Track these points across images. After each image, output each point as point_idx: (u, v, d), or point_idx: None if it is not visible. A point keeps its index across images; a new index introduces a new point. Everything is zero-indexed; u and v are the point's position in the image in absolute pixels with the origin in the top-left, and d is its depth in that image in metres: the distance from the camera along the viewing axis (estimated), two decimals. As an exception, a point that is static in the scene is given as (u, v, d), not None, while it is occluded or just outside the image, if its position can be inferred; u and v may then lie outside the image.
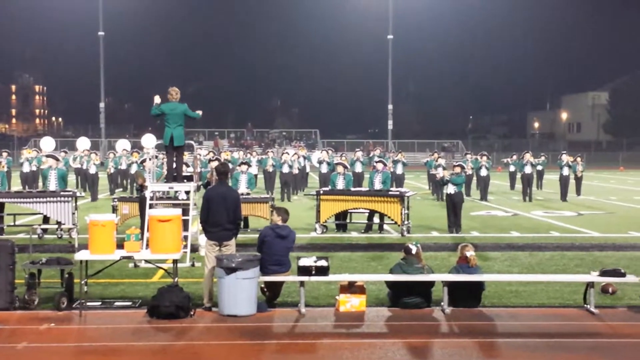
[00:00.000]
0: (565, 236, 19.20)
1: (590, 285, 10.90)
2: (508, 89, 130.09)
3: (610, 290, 11.78)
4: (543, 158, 35.07)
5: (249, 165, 23.72)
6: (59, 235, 18.14)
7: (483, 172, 30.11)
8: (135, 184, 18.47)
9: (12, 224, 19.27)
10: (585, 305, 10.92)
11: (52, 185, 19.13)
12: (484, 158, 31.12)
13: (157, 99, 14.26)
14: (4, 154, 31.18)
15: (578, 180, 31.68)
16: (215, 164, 19.96)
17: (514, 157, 36.28)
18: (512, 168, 35.39)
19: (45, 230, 18.46)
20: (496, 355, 8.92)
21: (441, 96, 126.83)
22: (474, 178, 31.49)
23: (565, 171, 30.29)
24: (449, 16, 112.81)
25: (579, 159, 32.29)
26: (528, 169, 30.24)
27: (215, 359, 8.54)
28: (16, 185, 31.09)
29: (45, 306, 10.79)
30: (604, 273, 11.14)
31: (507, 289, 12.14)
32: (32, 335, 9.42)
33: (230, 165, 27.57)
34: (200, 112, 14.51)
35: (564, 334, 9.68)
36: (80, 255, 10.77)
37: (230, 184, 13.52)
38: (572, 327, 10.11)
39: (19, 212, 19.72)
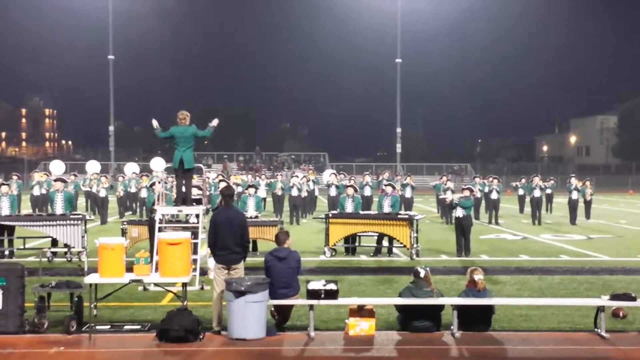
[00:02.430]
0: (575, 260, 19.12)
1: (600, 309, 10.84)
2: (517, 112, 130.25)
3: (621, 314, 11.68)
4: (552, 182, 35.02)
5: (257, 188, 23.75)
6: (69, 259, 18.18)
7: (494, 196, 30.11)
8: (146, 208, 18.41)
9: (22, 247, 19.30)
10: (596, 330, 10.86)
11: (59, 208, 19.18)
12: (495, 181, 31.11)
13: (155, 123, 14.35)
14: (14, 177, 31.29)
15: (587, 203, 31.60)
16: (222, 185, 20.00)
17: (523, 180, 36.25)
18: (521, 191, 35.34)
19: (54, 254, 18.49)
20: (506, 380, 8.87)
21: (450, 119, 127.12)
22: (483, 201, 31.46)
23: (575, 195, 30.24)
24: (457, 40, 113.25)
25: (587, 183, 32.23)
26: (537, 193, 30.19)
27: (225, 383, 8.51)
28: (26, 209, 31.18)
29: (54, 329, 10.79)
30: (614, 297, 11.09)
31: (517, 313, 12.09)
32: (41, 359, 9.41)
33: (240, 189, 27.65)
34: (214, 123, 14.44)
35: (574, 359, 9.63)
36: (90, 279, 10.78)
37: (237, 207, 13.54)
38: (583, 352, 10.03)
39: (29, 235, 19.75)
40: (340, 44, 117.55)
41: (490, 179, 31.99)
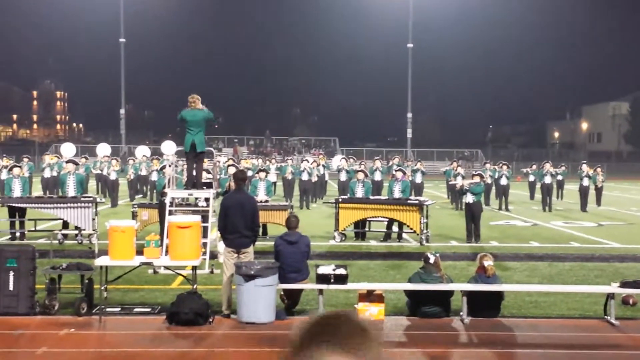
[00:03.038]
0: (585, 247, 19.07)
1: (610, 296, 10.82)
2: (528, 98, 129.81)
3: (631, 301, 11.66)
4: (563, 168, 34.88)
5: (268, 173, 23.75)
6: (79, 241, 18.24)
7: (503, 182, 30.03)
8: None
9: (33, 229, 19.38)
10: (606, 317, 10.85)
11: (71, 190, 19.21)
12: (504, 167, 31.02)
13: None
14: (25, 160, 31.39)
15: (598, 190, 31.46)
16: (232, 169, 20.02)
17: (534, 166, 36.12)
18: (531, 178, 35.21)
19: (65, 236, 18.56)
20: (515, 366, 8.87)
21: (461, 105, 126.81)
22: (493, 187, 31.40)
23: (586, 182, 30.13)
24: (469, 25, 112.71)
25: (599, 170, 32.06)
26: (548, 179, 30.09)
27: (234, 366, 8.54)
28: (37, 191, 31.29)
29: (65, 311, 10.84)
30: (624, 284, 11.07)
31: (527, 299, 12.07)
32: (52, 341, 9.47)
33: (250, 173, 27.67)
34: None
35: (584, 346, 9.62)
36: (100, 261, 10.83)
37: (248, 191, 13.56)
38: (592, 339, 10.02)
39: (40, 217, 19.81)
40: (352, 29, 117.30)
41: (500, 165, 31.90)
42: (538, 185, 32.41)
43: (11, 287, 10.67)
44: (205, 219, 13.62)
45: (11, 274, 10.70)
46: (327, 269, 10.83)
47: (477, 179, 19.65)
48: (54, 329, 10.03)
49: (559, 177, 33.59)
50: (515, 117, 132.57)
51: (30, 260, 10.82)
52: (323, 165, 34.34)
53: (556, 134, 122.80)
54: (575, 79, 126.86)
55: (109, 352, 9.07)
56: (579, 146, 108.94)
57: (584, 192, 30.05)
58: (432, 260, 11.24)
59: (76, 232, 18.41)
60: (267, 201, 19.64)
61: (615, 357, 9.18)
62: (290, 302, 11.15)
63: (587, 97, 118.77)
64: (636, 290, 11.10)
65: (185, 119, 14.08)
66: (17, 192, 19.25)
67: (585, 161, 33.08)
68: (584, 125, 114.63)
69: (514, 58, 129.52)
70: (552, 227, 23.59)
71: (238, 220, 10.92)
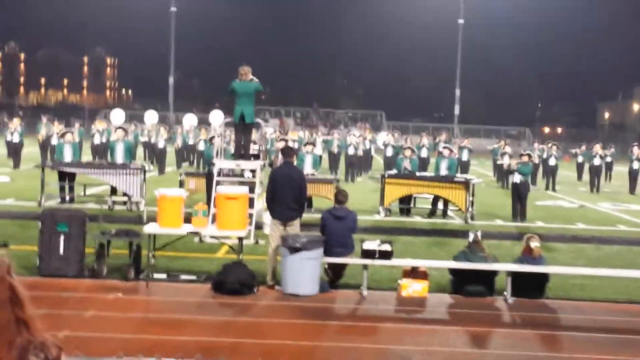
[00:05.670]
0: (633, 230, 18.83)
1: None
2: (579, 78, 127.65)
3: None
4: (612, 150, 34.37)
5: (314, 146, 23.79)
6: (129, 208, 18.46)
7: (552, 162, 29.69)
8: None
9: (82, 194, 19.69)
10: (653, 303, 10.72)
11: (119, 157, 19.45)
12: (554, 147, 30.66)
13: None
14: (76, 125, 31.86)
15: (648, 174, 30.93)
16: (281, 144, 20.07)
17: (583, 147, 35.64)
18: (580, 159, 34.76)
19: (114, 203, 18.82)
20: (559, 349, 8.84)
21: (510, 82, 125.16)
22: (540, 167, 31.07)
23: (636, 164, 29.61)
24: (522, 3, 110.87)
25: (650, 152, 31.50)
26: (597, 161, 29.69)
27: (278, 337, 8.62)
28: (86, 156, 31.69)
29: (113, 276, 11.04)
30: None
31: (572, 282, 11.94)
32: (100, 304, 9.66)
33: (296, 145, 27.73)
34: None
35: (630, 331, 9.52)
36: (149, 229, 11.00)
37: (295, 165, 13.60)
38: (638, 324, 9.92)
39: (89, 182, 20.09)
40: (402, 1, 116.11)
41: (550, 144, 31.54)
42: (586, 167, 32.00)
43: (61, 251, 10.88)
44: (251, 189, 13.72)
45: (62, 237, 10.91)
46: (372, 244, 10.86)
47: (525, 159, 19.47)
48: (102, 292, 10.22)
49: (608, 159, 33.09)
50: (564, 96, 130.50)
51: (81, 226, 11.03)
52: (369, 140, 34.27)
53: (606, 115, 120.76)
54: (627, 58, 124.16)
55: (154, 318, 9.23)
56: (629, 127, 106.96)
57: (633, 175, 29.58)
58: (477, 239, 11.22)
59: (125, 199, 18.64)
60: (313, 174, 19.69)
61: (660, 343, 9.08)
62: (334, 276, 11.21)
63: (639, 78, 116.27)
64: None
65: (235, 90, 14.15)
66: (67, 157, 19.54)
67: (636, 143, 32.45)
68: (635, 107, 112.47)
69: (565, 36, 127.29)
70: (600, 209, 23.31)
71: (286, 193, 10.99)
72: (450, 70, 74.81)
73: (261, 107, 74.44)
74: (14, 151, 30.31)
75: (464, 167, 30.18)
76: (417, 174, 20.12)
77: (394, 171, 20.63)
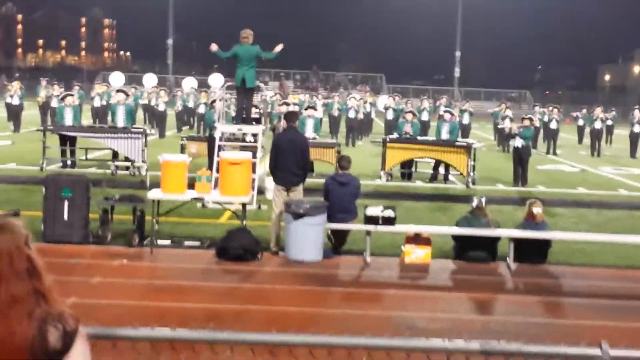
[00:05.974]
0: (634, 195, 18.86)
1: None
2: (580, 40, 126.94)
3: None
4: (613, 113, 34.31)
5: (315, 109, 23.72)
6: (132, 173, 18.39)
7: (553, 125, 29.64)
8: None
9: (84, 158, 19.64)
10: (654, 268, 10.77)
11: (120, 120, 19.40)
12: (555, 111, 30.58)
13: (214, 47, 14.53)
14: (76, 87, 31.69)
15: (650, 137, 30.92)
16: (283, 108, 20.02)
17: (584, 111, 35.56)
18: (581, 122, 34.72)
19: (117, 168, 18.78)
20: (560, 315, 8.90)
21: (509, 45, 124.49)
22: (541, 130, 31.02)
23: (637, 128, 29.61)
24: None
25: (651, 116, 31.44)
26: (598, 124, 29.68)
27: (282, 303, 8.68)
28: (86, 119, 31.62)
29: (117, 241, 11.07)
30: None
31: (574, 247, 11.93)
32: (105, 270, 9.70)
33: (297, 108, 27.66)
34: (279, 48, 14.51)
35: (631, 297, 9.56)
36: (153, 194, 11.01)
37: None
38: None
39: (90, 146, 20.03)
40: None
41: (551, 108, 31.47)
42: (587, 130, 31.96)
43: (66, 217, 10.88)
44: (253, 154, 13.71)
45: (66, 203, 10.90)
46: (375, 210, 10.86)
47: (526, 123, 19.43)
48: (107, 259, 10.26)
49: (609, 122, 33.03)
50: (564, 58, 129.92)
51: (84, 191, 11.01)
52: (370, 103, 34.18)
53: (607, 77, 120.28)
54: (627, 21, 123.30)
55: (159, 284, 9.27)
56: (630, 90, 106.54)
57: (634, 139, 29.59)
58: (479, 205, 11.23)
59: (127, 163, 18.59)
60: (314, 138, 19.65)
61: (662, 309, 9.14)
62: (337, 242, 11.24)
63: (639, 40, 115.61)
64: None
65: (237, 54, 14.09)
66: (68, 120, 19.46)
67: (637, 107, 32.36)
68: (636, 69, 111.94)
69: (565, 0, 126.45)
70: (601, 173, 23.33)
71: (289, 159, 10.97)
72: (450, 32, 74.39)
73: (261, 69, 74.09)
74: (15, 114, 30.24)
75: (465, 130, 30.16)
76: (419, 138, 20.10)
77: (395, 135, 20.60)
